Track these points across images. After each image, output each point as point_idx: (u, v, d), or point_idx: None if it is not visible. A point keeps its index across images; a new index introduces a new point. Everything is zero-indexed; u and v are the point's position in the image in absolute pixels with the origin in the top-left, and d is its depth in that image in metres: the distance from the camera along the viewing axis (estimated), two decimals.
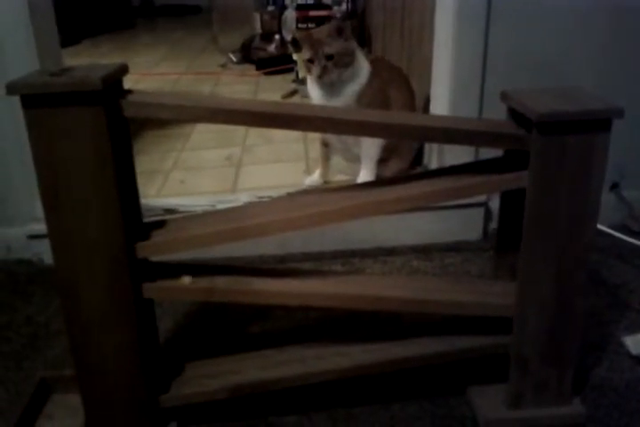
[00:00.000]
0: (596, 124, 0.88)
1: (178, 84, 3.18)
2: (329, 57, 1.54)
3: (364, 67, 1.62)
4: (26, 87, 0.81)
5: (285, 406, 1.10)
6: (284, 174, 1.87)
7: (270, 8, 3.46)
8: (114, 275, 0.91)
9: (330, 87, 1.60)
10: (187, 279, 0.98)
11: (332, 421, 1.07)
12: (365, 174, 1.69)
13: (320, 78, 1.56)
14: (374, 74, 1.63)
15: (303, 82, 2.19)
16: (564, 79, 1.54)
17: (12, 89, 0.80)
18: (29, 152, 0.84)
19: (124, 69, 0.90)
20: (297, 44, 2.87)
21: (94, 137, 0.83)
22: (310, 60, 1.56)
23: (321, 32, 1.59)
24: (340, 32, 1.56)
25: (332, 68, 1.55)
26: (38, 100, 0.81)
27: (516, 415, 1.05)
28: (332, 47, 1.55)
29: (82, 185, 0.86)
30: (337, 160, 1.80)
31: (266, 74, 3.30)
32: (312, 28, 1.73)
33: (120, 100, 0.87)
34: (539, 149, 0.89)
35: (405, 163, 1.74)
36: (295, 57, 2.95)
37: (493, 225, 1.65)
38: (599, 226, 1.39)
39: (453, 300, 1.01)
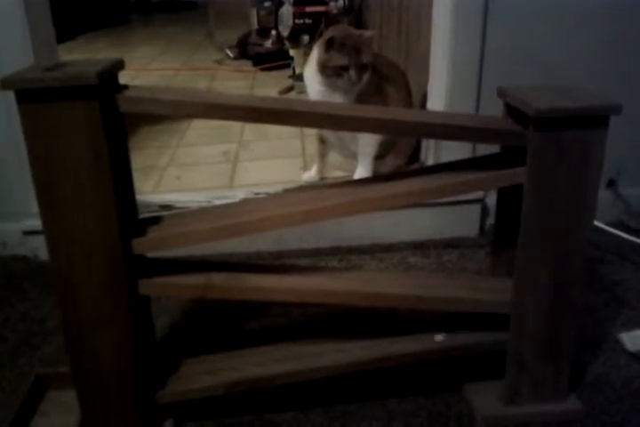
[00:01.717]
0: (594, 120, 0.88)
1: (174, 80, 3.17)
2: (363, 66, 1.57)
3: None
4: (21, 82, 0.80)
5: (282, 402, 1.10)
6: (280, 171, 1.86)
7: (267, 4, 3.44)
8: (109, 271, 0.90)
9: (331, 84, 1.59)
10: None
11: (329, 417, 1.07)
12: (362, 171, 1.69)
13: (354, 85, 1.58)
14: (371, 70, 1.63)
15: (300, 78, 2.18)
16: (562, 75, 1.54)
17: (6, 84, 0.80)
18: (24, 147, 0.84)
19: (119, 65, 0.89)
20: (295, 40, 2.87)
21: (89, 132, 0.83)
22: (344, 68, 1.56)
23: (354, 40, 1.57)
24: (370, 42, 1.60)
25: (364, 75, 1.58)
26: (33, 95, 0.81)
27: (512, 412, 1.05)
28: (369, 57, 1.58)
29: (77, 181, 0.85)
30: (334, 156, 1.80)
31: (262, 70, 3.29)
32: (329, 29, 1.69)
33: (115, 95, 0.86)
34: (536, 146, 0.89)
35: (402, 159, 1.74)
36: (292, 53, 2.94)
37: (490, 221, 1.66)
38: (596, 223, 1.39)
39: (450, 296, 1.01)
